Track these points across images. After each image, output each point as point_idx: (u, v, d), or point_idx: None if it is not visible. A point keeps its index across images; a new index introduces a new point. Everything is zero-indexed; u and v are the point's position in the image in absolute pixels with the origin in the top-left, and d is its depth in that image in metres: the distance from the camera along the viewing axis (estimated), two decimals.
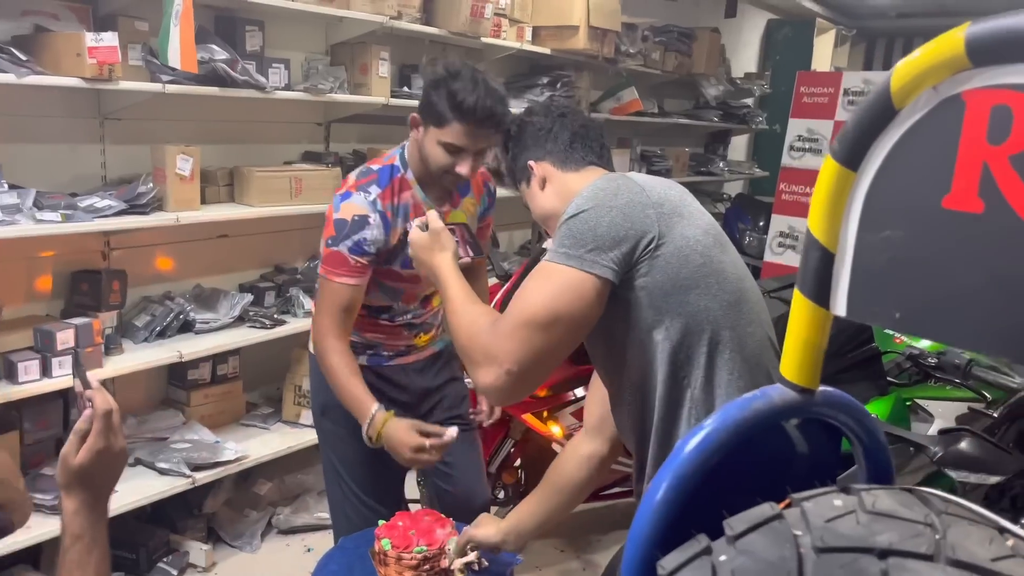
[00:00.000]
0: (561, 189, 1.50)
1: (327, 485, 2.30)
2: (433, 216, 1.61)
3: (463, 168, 1.93)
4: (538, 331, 1.23)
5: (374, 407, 1.93)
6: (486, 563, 1.79)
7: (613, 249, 1.23)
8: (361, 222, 1.96)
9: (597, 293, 1.23)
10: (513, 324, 1.24)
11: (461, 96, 1.85)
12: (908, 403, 2.51)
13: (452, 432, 1.92)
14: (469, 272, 2.23)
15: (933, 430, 2.40)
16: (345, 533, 2.19)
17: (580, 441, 1.70)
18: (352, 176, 2.06)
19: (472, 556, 1.76)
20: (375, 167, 2.05)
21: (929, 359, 2.49)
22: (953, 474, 2.18)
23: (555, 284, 1.24)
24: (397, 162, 2.05)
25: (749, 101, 7.15)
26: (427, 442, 1.89)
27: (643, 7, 5.47)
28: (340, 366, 1.98)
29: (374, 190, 1.99)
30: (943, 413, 2.46)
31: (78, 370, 1.20)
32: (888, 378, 2.55)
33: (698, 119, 6.38)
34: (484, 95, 1.86)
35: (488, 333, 1.28)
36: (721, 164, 6.78)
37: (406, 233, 1.98)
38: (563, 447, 2.86)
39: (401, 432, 1.89)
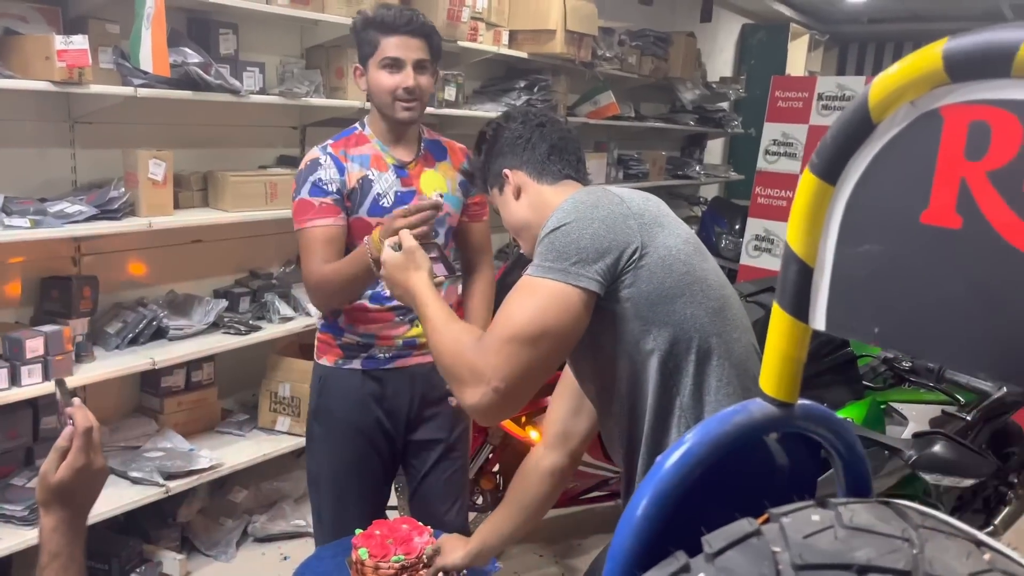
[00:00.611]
0: (536, 201, 1.49)
1: (310, 492, 2.28)
2: (406, 235, 1.58)
3: (407, 79, 2.02)
4: (525, 346, 1.21)
5: (364, 240, 1.93)
6: (464, 572, 1.78)
7: (597, 261, 1.22)
8: (312, 165, 2.06)
9: (583, 305, 1.22)
10: (499, 340, 1.22)
11: (379, 16, 2.03)
12: (883, 406, 2.53)
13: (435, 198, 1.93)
14: (470, 275, 2.22)
15: (907, 433, 2.42)
16: (320, 538, 2.21)
17: (540, 456, 1.67)
18: None
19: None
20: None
21: (903, 363, 2.52)
22: (927, 477, 2.21)
23: (540, 298, 1.22)
24: (357, 124, 2.17)
25: (724, 105, 7.20)
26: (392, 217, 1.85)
27: (619, 11, 5.49)
28: (331, 266, 1.99)
29: (328, 142, 2.12)
30: (917, 416, 2.49)
31: (60, 386, 1.18)
32: (863, 382, 2.57)
33: (674, 123, 6.41)
34: (399, 9, 2.06)
35: (473, 350, 1.25)
36: (697, 167, 6.81)
37: (365, 178, 2.06)
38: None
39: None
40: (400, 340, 2.15)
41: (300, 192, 2.04)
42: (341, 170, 2.05)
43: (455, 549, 1.73)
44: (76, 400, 1.15)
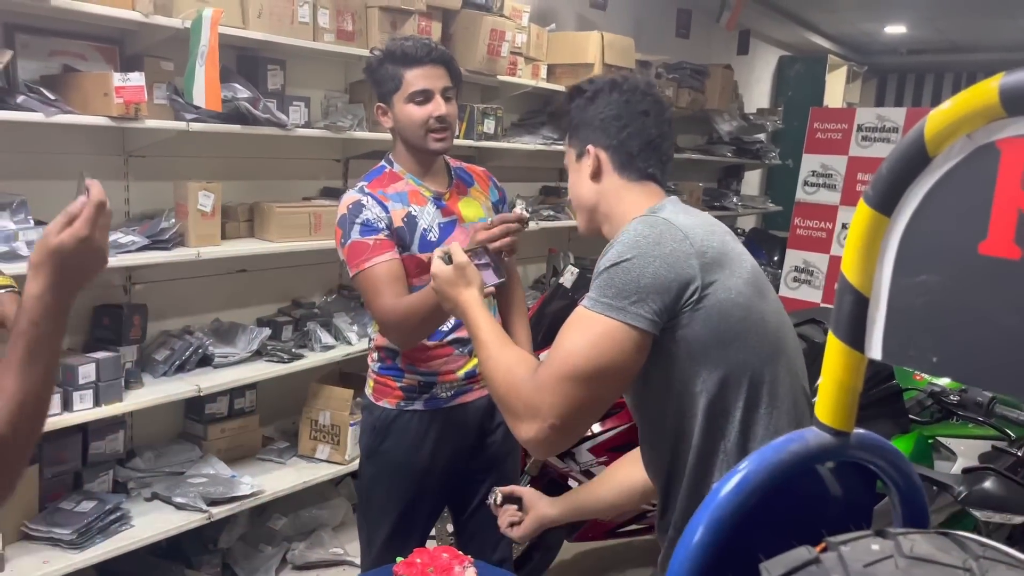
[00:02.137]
0: (610, 191, 1.42)
1: (359, 522, 2.30)
2: (456, 249, 1.53)
3: (438, 108, 2.01)
4: (581, 384, 1.20)
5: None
6: None
7: (656, 301, 1.20)
8: (356, 207, 2.02)
9: (640, 345, 1.21)
10: (555, 377, 1.21)
11: (399, 51, 2.01)
12: (930, 441, 2.48)
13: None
14: (502, 298, 2.21)
15: (956, 469, 2.37)
16: (367, 564, 2.23)
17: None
18: None
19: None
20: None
21: (951, 396, 2.47)
22: (978, 514, 2.16)
23: (597, 336, 1.20)
24: (383, 162, 2.15)
25: (762, 136, 7.19)
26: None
27: (656, 45, 5.54)
28: (410, 299, 1.93)
29: (362, 183, 2.09)
30: (966, 451, 2.44)
31: (80, 179, 1.14)
32: (910, 416, 2.53)
33: (711, 154, 6.42)
34: (416, 39, 2.05)
35: (529, 386, 1.23)
36: (735, 199, 6.80)
37: (409, 215, 2.04)
38: (579, 483, 2.84)
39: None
40: (462, 373, 2.13)
41: (350, 236, 1.99)
42: (385, 208, 2.02)
43: (546, 504, 1.69)
44: (94, 181, 1.11)
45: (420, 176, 2.11)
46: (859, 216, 0.71)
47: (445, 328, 2.09)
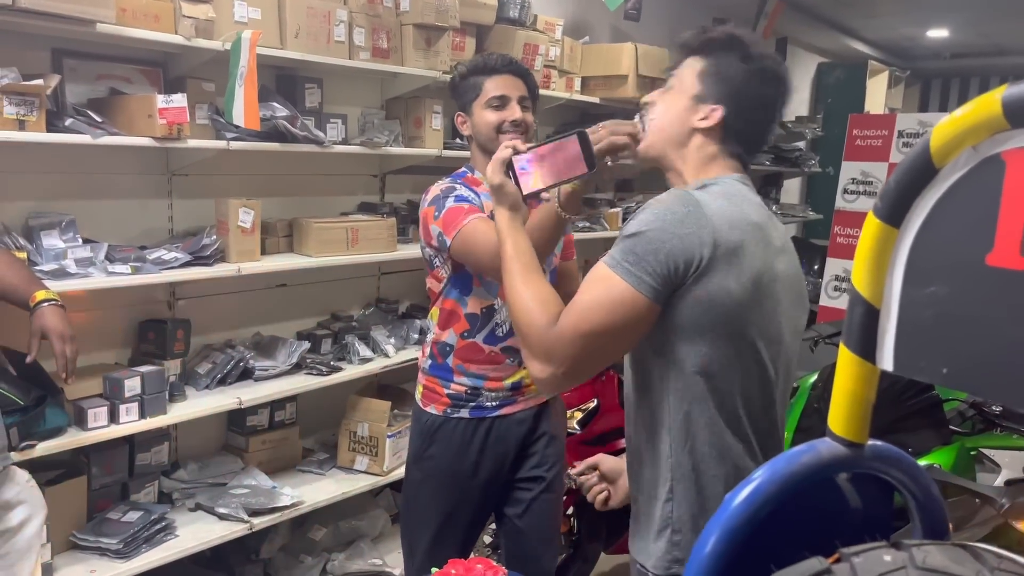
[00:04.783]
0: (702, 150, 1.43)
1: (403, 530, 2.34)
2: (493, 165, 1.55)
3: (513, 113, 2.13)
4: (595, 340, 1.30)
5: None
6: None
7: (666, 276, 1.27)
8: (449, 188, 2.13)
9: (649, 311, 1.29)
10: (574, 331, 1.30)
11: (482, 62, 2.18)
12: (973, 453, 2.44)
13: None
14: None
15: (1000, 481, 2.33)
16: (411, 574, 2.28)
17: None
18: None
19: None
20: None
21: (993, 407, 2.43)
22: (1021, 527, 2.11)
23: (616, 297, 1.28)
24: (464, 168, 2.25)
25: (801, 144, 7.12)
26: None
27: None
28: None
29: (451, 177, 2.21)
30: (1010, 463, 2.39)
31: None
32: (951, 426, 2.48)
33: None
34: (498, 54, 2.22)
35: (551, 333, 1.32)
36: (774, 207, 6.73)
37: (491, 213, 2.10)
38: None
39: None
40: (508, 383, 2.18)
41: (444, 206, 2.07)
42: (476, 194, 2.14)
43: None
44: None
45: None
46: (868, 228, 0.71)
47: (500, 334, 2.15)
